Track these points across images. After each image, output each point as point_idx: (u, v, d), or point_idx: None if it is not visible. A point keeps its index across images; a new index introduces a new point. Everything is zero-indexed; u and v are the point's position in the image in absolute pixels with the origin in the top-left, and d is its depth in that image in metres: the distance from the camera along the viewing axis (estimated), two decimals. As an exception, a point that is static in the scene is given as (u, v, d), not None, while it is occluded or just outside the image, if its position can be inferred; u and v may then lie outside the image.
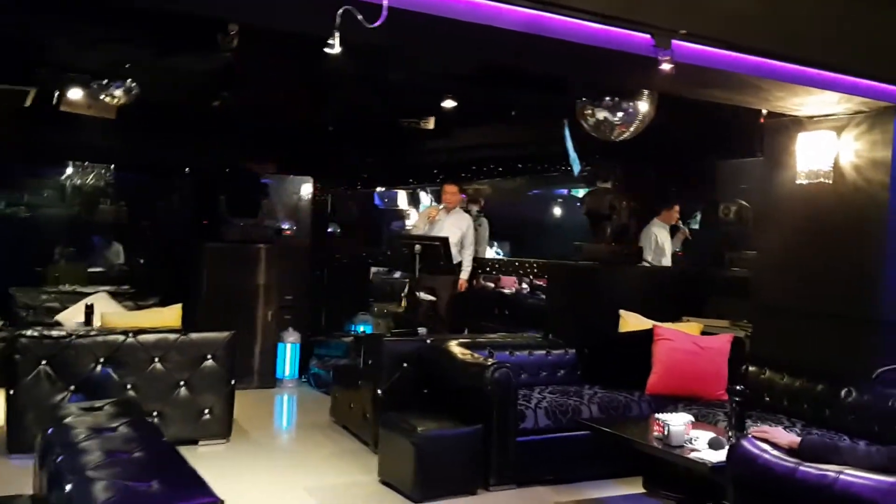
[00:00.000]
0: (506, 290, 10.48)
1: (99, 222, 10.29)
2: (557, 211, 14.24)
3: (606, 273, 6.93)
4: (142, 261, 9.83)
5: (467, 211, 8.59)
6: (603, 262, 6.99)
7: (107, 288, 8.11)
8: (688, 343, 5.80)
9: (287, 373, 8.08)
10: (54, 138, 7.66)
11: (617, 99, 5.76)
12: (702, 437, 4.24)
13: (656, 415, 4.37)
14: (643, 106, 5.77)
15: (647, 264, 7.92)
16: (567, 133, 7.06)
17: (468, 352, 5.44)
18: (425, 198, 11.44)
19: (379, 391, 5.64)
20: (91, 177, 9.50)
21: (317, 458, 5.70)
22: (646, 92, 5.64)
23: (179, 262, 8.36)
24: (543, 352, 6.05)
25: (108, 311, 6.78)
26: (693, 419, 4.38)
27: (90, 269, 10.56)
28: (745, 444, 3.40)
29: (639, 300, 6.65)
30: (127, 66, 5.84)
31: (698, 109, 5.83)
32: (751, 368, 5.61)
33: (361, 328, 9.17)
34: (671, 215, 8.33)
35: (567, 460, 5.21)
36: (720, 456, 3.92)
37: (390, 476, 5.04)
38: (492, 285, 10.05)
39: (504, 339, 6.13)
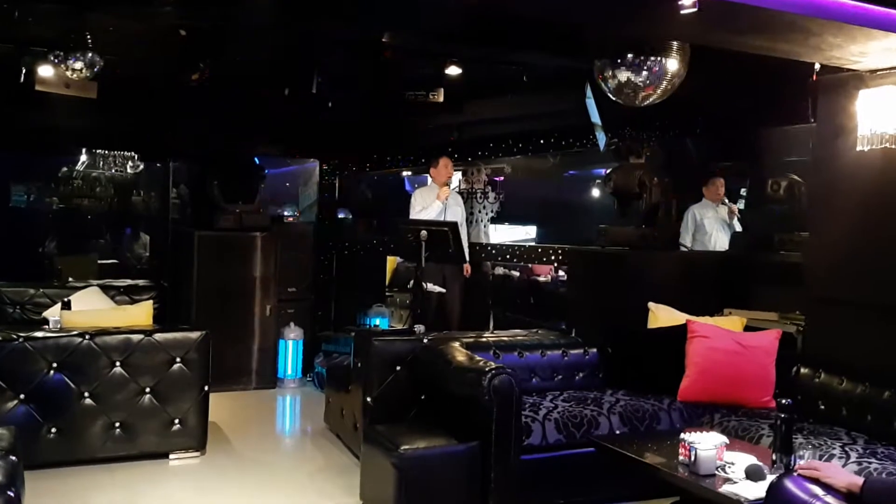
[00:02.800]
0: (540, 278, 9.75)
1: (90, 211, 9.79)
2: (596, 192, 13.50)
3: (635, 260, 6.10)
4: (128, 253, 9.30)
5: (473, 193, 7.87)
6: (631, 248, 6.16)
7: (98, 282, 7.59)
8: (727, 341, 4.96)
9: (289, 372, 7.44)
10: (27, 121, 7.10)
11: (640, 56, 4.93)
12: (739, 463, 3.44)
13: (682, 435, 3.57)
14: (672, 63, 4.91)
15: (685, 249, 7.08)
16: (590, 101, 6.23)
17: (467, 354, 4.67)
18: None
19: (368, 398, 4.92)
20: (82, 163, 9.01)
21: (299, 476, 5.03)
22: (674, 46, 4.79)
23: (174, 254, 7.78)
24: (559, 352, 5.25)
25: (85, 308, 6.22)
26: (727, 440, 3.57)
27: (101, 262, 10.16)
28: (789, 484, 2.61)
29: (673, 291, 5.82)
30: (87, 35, 5.18)
31: (739, 67, 5.02)
32: (802, 370, 4.77)
33: (376, 321, 8.49)
34: (713, 191, 7.45)
35: (581, 480, 4.44)
36: (759, 491, 3.12)
37: (372, 501, 4.34)
38: (517, 273, 9.30)
39: (513, 339, 5.34)
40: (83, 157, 9.52)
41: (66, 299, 6.23)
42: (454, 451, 4.18)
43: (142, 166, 9.39)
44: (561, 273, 9.40)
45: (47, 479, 4.55)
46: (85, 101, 6.77)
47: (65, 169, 9.42)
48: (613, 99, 5.24)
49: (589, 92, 6.21)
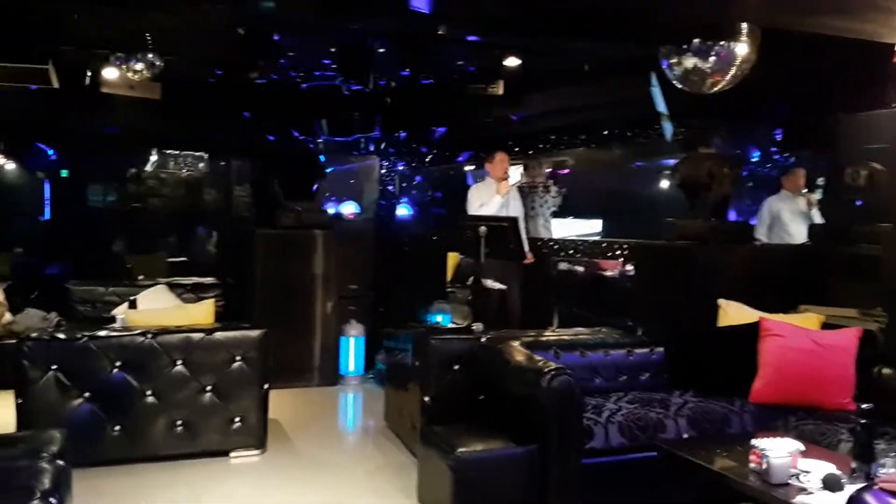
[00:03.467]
0: (606, 273, 9.51)
1: (159, 210, 9.97)
2: (664, 184, 13.13)
3: (704, 254, 5.85)
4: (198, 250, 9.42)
5: (535, 187, 7.68)
6: (700, 242, 5.91)
7: (166, 280, 7.71)
8: (803, 339, 4.69)
9: (351, 369, 7.42)
10: (92, 121, 7.24)
11: (708, 42, 4.70)
12: (815, 471, 3.23)
13: (753, 441, 3.37)
14: (741, 48, 4.67)
15: (759, 243, 6.79)
16: (655, 90, 6.00)
17: (526, 353, 4.53)
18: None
19: (426, 398, 4.83)
20: (152, 164, 9.17)
21: (358, 474, 4.98)
22: (744, 28, 4.55)
23: (238, 252, 7.85)
24: (623, 351, 5.06)
25: (152, 306, 6.31)
26: (802, 447, 3.35)
27: (169, 260, 10.35)
28: (870, 499, 2.40)
29: (745, 286, 5.58)
30: (146, 36, 5.22)
31: (814, 50, 4.74)
32: (884, 371, 4.48)
33: (438, 318, 8.41)
34: (794, 181, 7.12)
35: (646, 486, 4.24)
36: (836, 502, 2.91)
37: (429, 503, 4.25)
38: (582, 269, 9.08)
39: (575, 337, 5.16)
40: (153, 157, 9.72)
41: (131, 298, 6.35)
42: (512, 453, 4.05)
43: (208, 165, 9.53)
44: (629, 268, 9.17)
45: (111, 477, 4.62)
46: (149, 103, 6.88)
47: (133, 170, 9.62)
48: (680, 87, 5.04)
49: (654, 80, 5.98)
